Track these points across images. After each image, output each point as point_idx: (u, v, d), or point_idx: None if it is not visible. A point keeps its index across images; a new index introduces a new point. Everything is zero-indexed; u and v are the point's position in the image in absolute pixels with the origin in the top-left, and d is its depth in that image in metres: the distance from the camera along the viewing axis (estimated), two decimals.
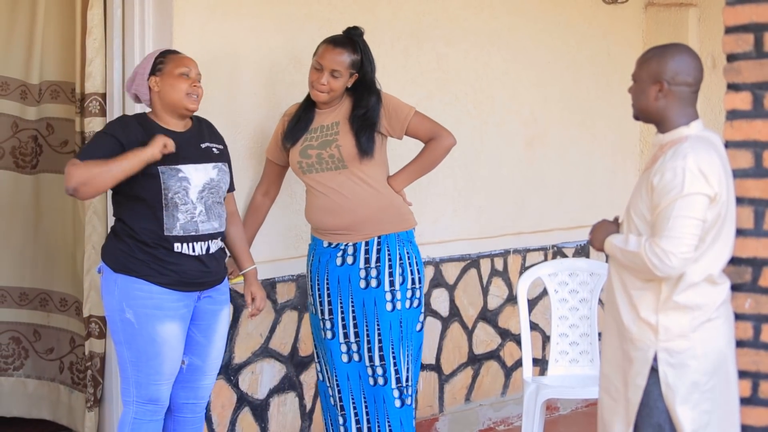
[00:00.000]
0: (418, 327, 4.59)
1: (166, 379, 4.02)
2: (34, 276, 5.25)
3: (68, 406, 5.13)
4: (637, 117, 3.50)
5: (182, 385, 4.13)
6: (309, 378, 5.13)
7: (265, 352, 4.95)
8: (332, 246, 4.53)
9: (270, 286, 4.94)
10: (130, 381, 3.99)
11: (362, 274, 4.48)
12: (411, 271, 4.52)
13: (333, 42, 4.51)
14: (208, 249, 4.03)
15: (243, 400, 4.89)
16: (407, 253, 4.53)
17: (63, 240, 5.14)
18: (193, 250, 3.99)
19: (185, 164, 3.98)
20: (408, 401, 4.54)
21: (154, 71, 4.03)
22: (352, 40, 4.53)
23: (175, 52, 4.11)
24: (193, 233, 3.98)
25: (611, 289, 3.48)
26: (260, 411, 4.96)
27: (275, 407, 5.02)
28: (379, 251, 4.49)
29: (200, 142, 4.10)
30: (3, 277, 5.26)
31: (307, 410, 5.13)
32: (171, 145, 3.90)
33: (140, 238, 3.93)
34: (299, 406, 5.10)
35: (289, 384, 5.06)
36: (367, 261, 4.48)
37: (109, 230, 4.21)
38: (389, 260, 4.49)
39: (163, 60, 4.04)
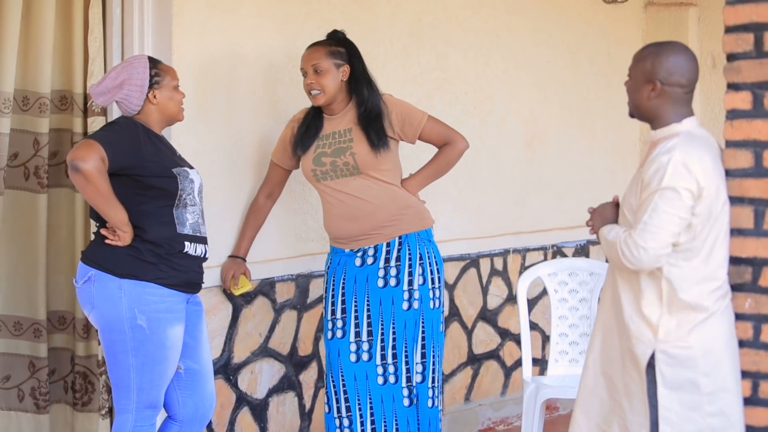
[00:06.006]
0: (441, 327, 4.61)
1: (167, 382, 4.03)
2: (57, 300, 4.81)
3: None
4: (632, 114, 3.51)
5: (189, 393, 4.13)
6: (308, 378, 5.12)
7: (264, 351, 4.95)
8: (353, 250, 4.54)
9: (269, 285, 4.93)
10: (131, 388, 3.96)
11: (381, 273, 4.50)
12: (431, 270, 4.55)
13: (308, 46, 4.58)
14: (204, 252, 4.09)
15: (242, 399, 4.89)
16: (427, 252, 4.55)
17: (72, 255, 4.73)
18: (196, 251, 4.04)
19: (185, 167, 4.05)
20: (437, 402, 4.59)
21: (151, 84, 4.02)
22: (330, 37, 4.58)
23: (154, 59, 4.10)
24: (198, 234, 4.05)
25: (614, 286, 3.46)
26: (259, 411, 4.95)
27: (274, 407, 5.01)
28: (399, 250, 4.51)
29: (173, 148, 4.15)
30: (24, 307, 4.75)
31: (307, 410, 5.12)
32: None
33: (150, 239, 3.93)
34: (298, 405, 5.10)
35: (288, 384, 5.05)
36: (387, 260, 4.51)
37: (93, 237, 4.10)
38: (409, 259, 4.51)
39: (158, 72, 4.04)
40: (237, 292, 4.66)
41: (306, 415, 5.12)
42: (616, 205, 3.54)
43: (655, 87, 3.38)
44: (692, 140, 3.33)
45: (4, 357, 4.68)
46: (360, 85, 4.54)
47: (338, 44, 4.55)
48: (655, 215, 3.26)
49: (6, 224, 4.57)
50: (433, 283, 4.55)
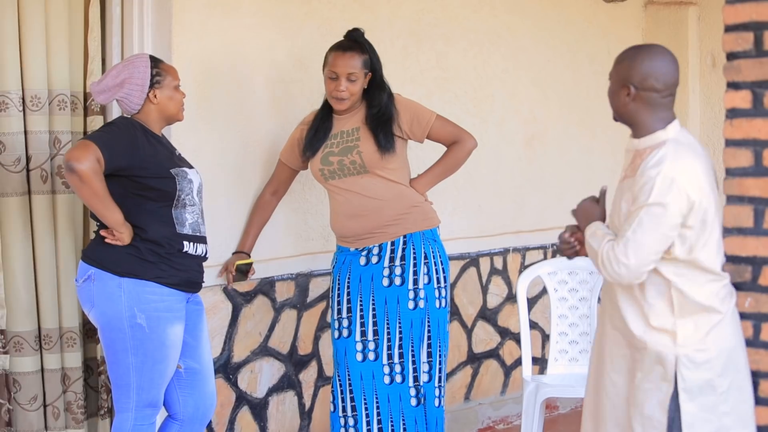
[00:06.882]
0: (448, 327, 4.61)
1: (167, 381, 4.04)
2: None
3: None
4: (615, 118, 3.44)
5: (190, 392, 4.14)
6: (308, 377, 5.12)
7: (264, 350, 4.95)
8: (358, 249, 4.54)
9: (269, 284, 4.93)
10: (131, 387, 3.97)
11: (386, 272, 4.51)
12: (436, 270, 4.55)
13: (341, 48, 4.52)
14: (204, 251, 4.10)
15: (242, 399, 4.89)
16: (432, 251, 4.56)
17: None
18: (196, 251, 4.05)
19: (184, 167, 4.06)
20: (442, 402, 4.59)
21: (152, 83, 4.02)
22: (357, 41, 4.54)
23: (156, 58, 4.10)
24: (197, 234, 4.06)
25: (613, 298, 3.40)
26: (259, 410, 4.95)
27: (274, 406, 5.01)
28: (404, 250, 4.52)
29: (173, 147, 4.16)
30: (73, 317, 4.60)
31: (306, 409, 5.12)
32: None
33: (150, 237, 3.94)
34: (298, 404, 5.10)
35: (288, 383, 5.05)
36: (392, 260, 4.51)
37: (93, 236, 4.07)
38: (414, 258, 4.51)
39: (160, 71, 4.04)
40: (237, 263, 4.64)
41: (306, 414, 5.12)
42: (596, 200, 3.47)
43: (630, 91, 3.30)
44: (682, 150, 3.26)
45: (37, 374, 4.47)
46: (378, 90, 4.55)
47: (364, 50, 4.53)
48: (639, 231, 3.20)
49: (33, 227, 4.44)
50: (438, 282, 4.55)
